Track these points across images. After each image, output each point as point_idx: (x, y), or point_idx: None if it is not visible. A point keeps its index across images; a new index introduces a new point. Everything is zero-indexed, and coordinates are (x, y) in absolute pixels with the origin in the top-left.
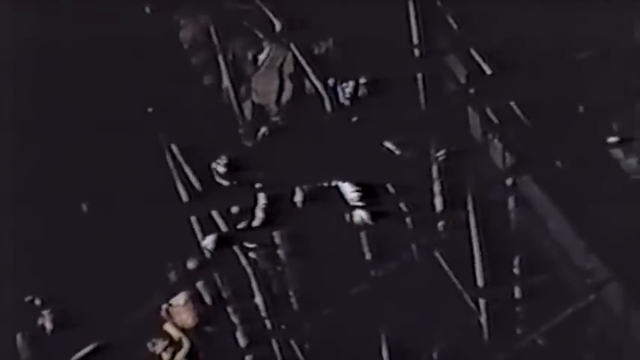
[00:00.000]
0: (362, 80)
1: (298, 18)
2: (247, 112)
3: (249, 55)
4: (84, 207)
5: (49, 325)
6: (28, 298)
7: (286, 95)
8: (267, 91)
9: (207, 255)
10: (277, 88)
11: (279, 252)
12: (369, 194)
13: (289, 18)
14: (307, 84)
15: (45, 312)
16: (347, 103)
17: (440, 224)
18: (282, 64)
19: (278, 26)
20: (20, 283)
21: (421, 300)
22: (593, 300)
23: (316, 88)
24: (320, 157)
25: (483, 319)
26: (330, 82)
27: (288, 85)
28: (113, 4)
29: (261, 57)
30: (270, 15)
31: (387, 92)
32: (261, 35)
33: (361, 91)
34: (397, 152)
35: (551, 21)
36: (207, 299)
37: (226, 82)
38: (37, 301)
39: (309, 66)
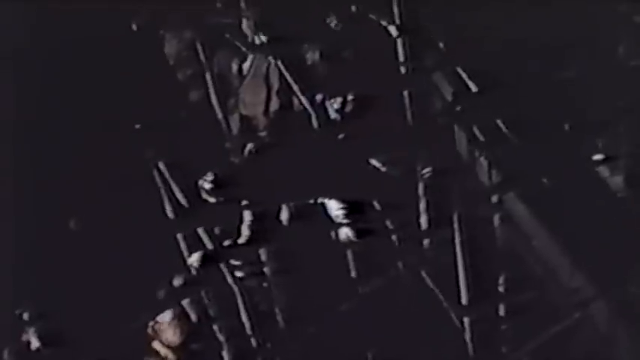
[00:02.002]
0: (349, 97)
1: (283, 32)
2: (234, 127)
3: (234, 67)
4: (71, 223)
5: (34, 342)
6: (17, 311)
7: (274, 105)
8: (254, 101)
9: (194, 272)
10: (265, 98)
11: (265, 269)
12: (354, 211)
13: (274, 32)
14: (294, 98)
15: (30, 329)
16: (335, 119)
17: (426, 242)
18: (267, 72)
19: (263, 40)
20: (7, 297)
21: (407, 318)
22: (579, 318)
23: (303, 105)
24: (306, 174)
25: (468, 338)
26: (318, 98)
27: (275, 95)
28: (99, 22)
29: (246, 65)
30: (250, 30)
31: (373, 109)
32: (244, 49)
33: (348, 108)
34: (383, 169)
35: (537, 40)
36: (193, 317)
37: (213, 94)
38: (26, 316)
39: (295, 83)
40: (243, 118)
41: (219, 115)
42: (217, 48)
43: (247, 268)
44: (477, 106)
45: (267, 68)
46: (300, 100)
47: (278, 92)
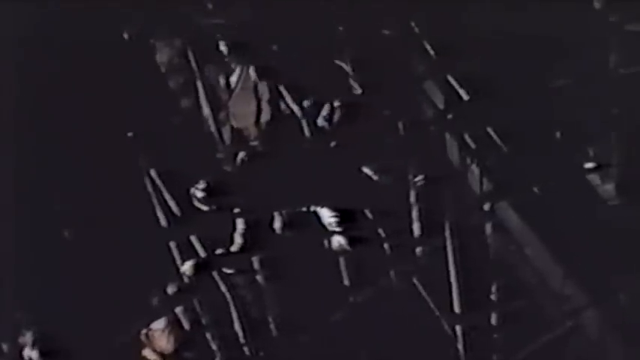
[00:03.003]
0: (336, 104)
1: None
2: (226, 137)
3: (222, 80)
4: (65, 232)
5: (27, 351)
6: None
7: (265, 116)
8: (245, 113)
9: (186, 280)
10: (255, 109)
11: (258, 277)
12: (347, 219)
13: (265, 41)
14: (283, 105)
15: (25, 336)
16: (323, 126)
17: (418, 250)
18: (256, 84)
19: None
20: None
21: (399, 326)
22: (570, 326)
23: (292, 112)
24: (299, 183)
25: (460, 346)
26: (306, 104)
27: (266, 105)
28: (92, 31)
29: (233, 79)
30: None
31: (364, 117)
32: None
33: (336, 116)
34: (375, 178)
35: (528, 48)
36: (186, 325)
37: (205, 108)
38: (21, 324)
39: (285, 89)
40: (235, 131)
41: (212, 127)
42: (209, 53)
43: (240, 276)
44: (468, 114)
45: (256, 79)
46: (289, 107)
47: (270, 101)
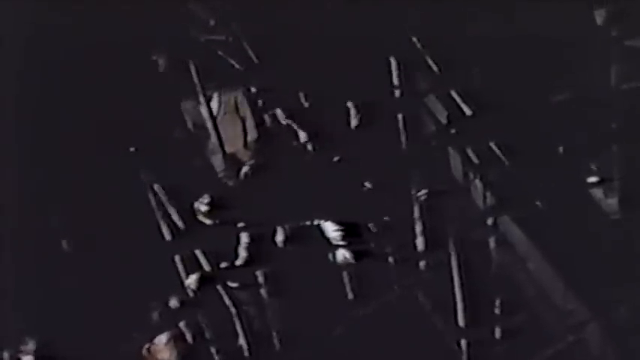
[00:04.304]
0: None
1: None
2: (220, 166)
3: (203, 110)
4: (64, 244)
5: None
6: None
7: (251, 135)
8: (232, 136)
9: (191, 294)
10: (242, 131)
11: (262, 291)
12: (351, 233)
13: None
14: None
15: (26, 349)
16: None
17: (422, 264)
18: (236, 105)
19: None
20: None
21: (403, 340)
22: (572, 340)
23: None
24: (302, 196)
25: None
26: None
27: (250, 125)
28: (95, 46)
29: (214, 105)
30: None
31: (368, 132)
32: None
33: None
34: (379, 192)
35: (531, 64)
36: (190, 338)
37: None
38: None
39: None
40: (227, 156)
41: (214, 136)
42: (211, 68)
43: (244, 290)
44: (471, 129)
45: (235, 101)
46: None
47: (255, 119)
